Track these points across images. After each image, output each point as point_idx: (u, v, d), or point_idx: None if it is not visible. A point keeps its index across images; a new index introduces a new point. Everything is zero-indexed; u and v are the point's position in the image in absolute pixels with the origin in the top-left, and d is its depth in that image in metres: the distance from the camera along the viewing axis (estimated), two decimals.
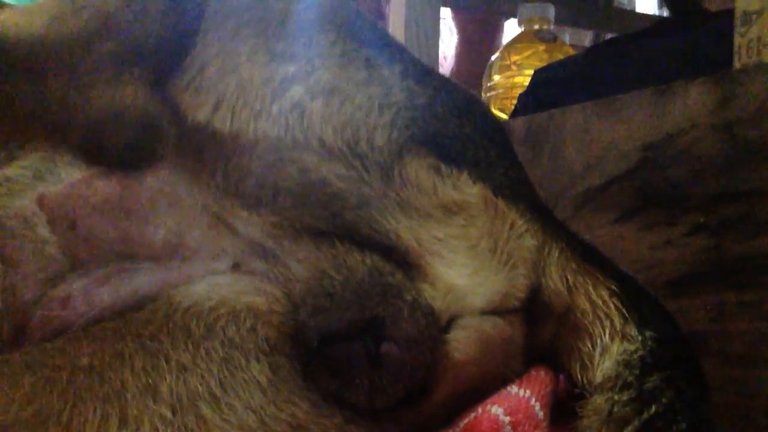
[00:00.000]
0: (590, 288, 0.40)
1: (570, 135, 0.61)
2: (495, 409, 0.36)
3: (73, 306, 0.37)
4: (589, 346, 0.40)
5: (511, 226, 0.40)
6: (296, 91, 0.38)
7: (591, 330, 0.40)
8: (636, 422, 0.36)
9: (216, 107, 0.38)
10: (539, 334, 0.42)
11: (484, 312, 0.39)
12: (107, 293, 0.37)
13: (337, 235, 0.37)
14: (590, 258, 0.42)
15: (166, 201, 0.38)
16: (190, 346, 0.35)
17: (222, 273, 0.37)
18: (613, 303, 0.40)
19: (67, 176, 0.39)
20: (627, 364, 0.38)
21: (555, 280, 0.41)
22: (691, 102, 0.52)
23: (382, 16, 1.77)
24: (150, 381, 0.34)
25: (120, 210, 0.38)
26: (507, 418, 0.35)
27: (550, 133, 0.63)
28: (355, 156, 0.37)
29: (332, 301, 0.35)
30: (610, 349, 0.39)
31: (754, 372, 0.48)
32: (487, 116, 0.46)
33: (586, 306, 0.40)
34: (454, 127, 0.40)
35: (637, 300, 0.40)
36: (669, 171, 0.53)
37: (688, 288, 0.52)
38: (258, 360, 0.35)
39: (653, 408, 0.36)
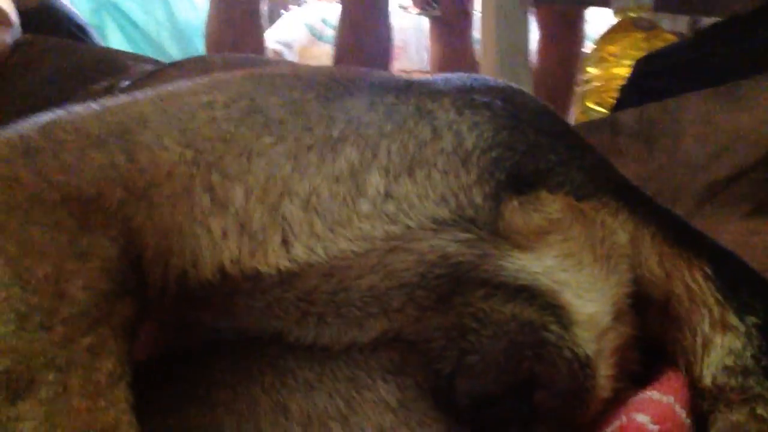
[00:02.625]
0: (685, 272, 0.38)
1: (689, 125, 0.57)
2: (641, 417, 0.34)
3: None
4: (690, 337, 0.37)
5: (602, 226, 0.38)
6: (375, 180, 0.35)
7: (689, 319, 0.37)
8: None
9: (286, 243, 0.33)
10: (647, 324, 0.39)
11: (611, 326, 0.37)
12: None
13: (469, 293, 0.35)
14: (684, 238, 0.39)
15: None
16: (315, 365, 0.35)
17: None
18: (709, 288, 0.37)
19: None
20: (745, 371, 0.35)
21: (652, 267, 0.38)
22: None
23: (466, 15, 1.76)
24: (280, 398, 0.34)
25: None
26: (656, 427, 0.33)
27: (666, 125, 0.60)
28: (467, 221, 0.35)
29: (483, 360, 0.34)
30: (713, 341, 0.36)
31: None
32: (536, 106, 0.43)
33: (683, 292, 0.38)
34: (519, 143, 0.38)
35: (735, 282, 0.37)
36: None
37: None
38: (385, 380, 0.35)
39: None
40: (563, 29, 1.63)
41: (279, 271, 0.33)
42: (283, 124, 0.36)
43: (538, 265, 0.35)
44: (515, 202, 0.36)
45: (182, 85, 0.42)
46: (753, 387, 0.35)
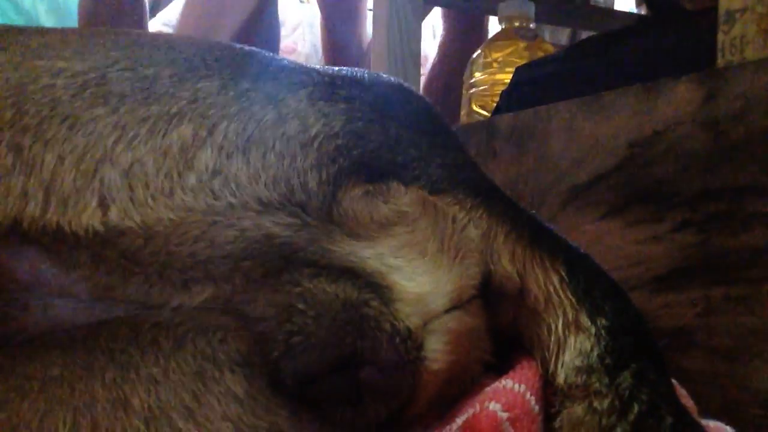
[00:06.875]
0: (539, 274, 0.40)
1: (555, 132, 0.61)
2: (493, 405, 0.35)
3: (32, 312, 0.36)
4: (545, 334, 0.39)
5: (453, 221, 0.40)
6: (206, 156, 0.35)
7: (545, 316, 0.39)
8: (623, 427, 0.36)
9: (103, 205, 0.34)
10: (500, 316, 0.41)
11: (447, 310, 0.39)
12: (64, 306, 0.36)
13: (297, 272, 0.36)
14: (539, 239, 0.41)
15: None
16: (161, 360, 0.34)
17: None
18: (563, 290, 0.39)
19: None
20: (589, 370, 0.37)
21: (504, 263, 0.40)
22: (678, 99, 0.52)
23: (356, 14, 1.76)
24: (121, 393, 0.33)
25: None
26: (505, 414, 0.35)
27: (536, 130, 0.63)
28: (295, 205, 0.36)
29: (307, 340, 0.35)
30: (567, 342, 0.39)
31: (740, 366, 0.48)
32: (411, 103, 0.44)
33: (538, 292, 0.40)
34: (377, 135, 0.39)
35: (588, 285, 0.39)
36: (655, 168, 0.53)
37: (674, 283, 0.52)
38: (232, 371, 0.35)
39: (635, 408, 0.36)
40: (467, 31, 1.66)
41: (92, 231, 0.34)
42: (122, 98, 0.37)
43: (370, 252, 0.37)
44: (358, 191, 0.37)
45: (51, 40, 0.41)
46: (594, 383, 0.37)
